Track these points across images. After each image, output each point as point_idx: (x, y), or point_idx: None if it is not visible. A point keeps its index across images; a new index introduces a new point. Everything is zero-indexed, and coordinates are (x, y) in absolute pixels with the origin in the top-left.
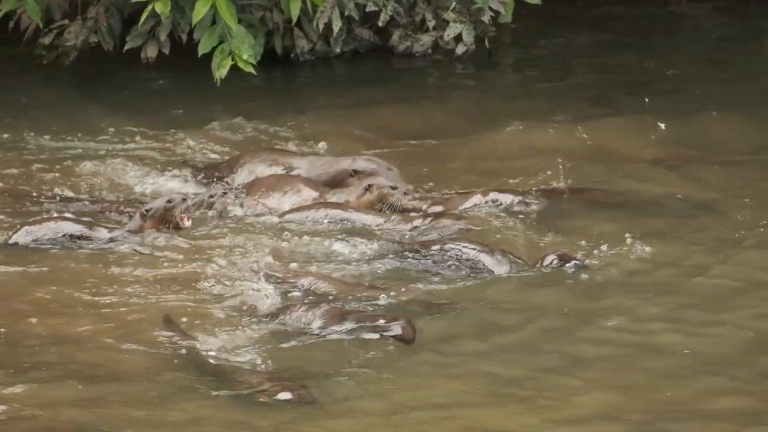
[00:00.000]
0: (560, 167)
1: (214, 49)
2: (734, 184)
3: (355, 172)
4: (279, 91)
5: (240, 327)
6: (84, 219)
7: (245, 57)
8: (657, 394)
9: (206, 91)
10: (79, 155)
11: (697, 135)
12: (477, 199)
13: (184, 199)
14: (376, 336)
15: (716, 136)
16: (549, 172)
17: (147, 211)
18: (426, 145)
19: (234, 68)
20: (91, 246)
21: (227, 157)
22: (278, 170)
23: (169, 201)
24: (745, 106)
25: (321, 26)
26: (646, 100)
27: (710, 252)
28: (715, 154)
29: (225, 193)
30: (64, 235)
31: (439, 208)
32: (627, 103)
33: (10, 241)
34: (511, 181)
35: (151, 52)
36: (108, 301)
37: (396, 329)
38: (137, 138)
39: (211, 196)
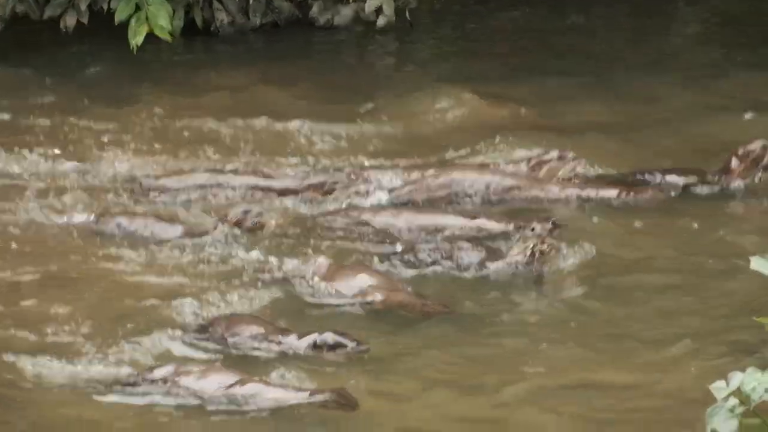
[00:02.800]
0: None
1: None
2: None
3: None
4: (198, 63)
5: None
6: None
7: (162, 24)
8: None
9: (125, 62)
10: None
11: (621, 100)
12: None
13: (260, 213)
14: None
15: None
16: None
17: (224, 216)
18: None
19: (155, 40)
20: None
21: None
22: None
23: (245, 212)
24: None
25: None
26: None
27: None
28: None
29: (261, 213)
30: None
31: None
32: (552, 73)
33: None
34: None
35: (69, 21)
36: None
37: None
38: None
39: (245, 212)
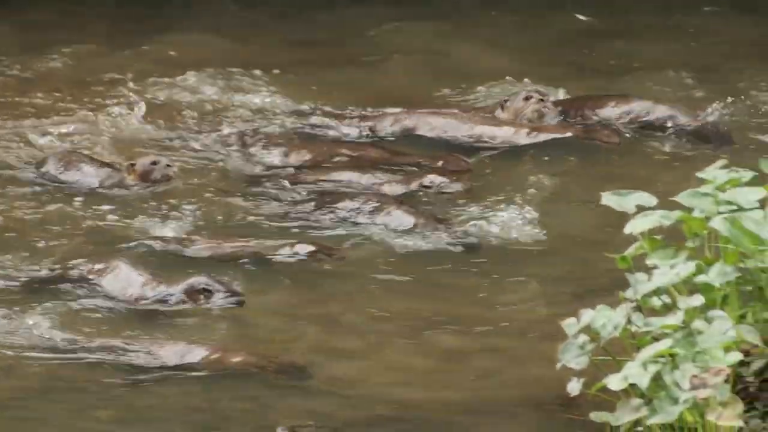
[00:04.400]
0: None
1: None
2: None
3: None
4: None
5: None
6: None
7: None
8: None
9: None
10: None
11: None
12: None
13: (168, 165)
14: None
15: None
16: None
17: (132, 165)
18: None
19: None
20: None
21: None
22: None
23: (153, 163)
24: None
25: None
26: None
27: None
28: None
29: (169, 165)
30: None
31: None
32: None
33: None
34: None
35: None
36: None
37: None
38: None
39: (153, 163)
